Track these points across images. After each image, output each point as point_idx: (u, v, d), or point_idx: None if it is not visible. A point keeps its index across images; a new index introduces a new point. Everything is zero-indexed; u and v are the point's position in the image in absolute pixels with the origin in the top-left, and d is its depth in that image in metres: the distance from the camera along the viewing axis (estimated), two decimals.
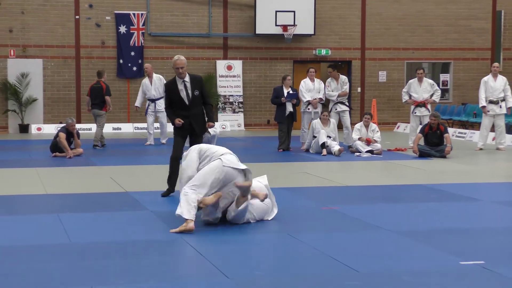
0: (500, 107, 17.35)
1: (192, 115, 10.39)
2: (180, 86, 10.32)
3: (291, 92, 16.81)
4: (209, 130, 16.20)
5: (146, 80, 19.09)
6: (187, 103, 10.33)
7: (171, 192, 10.37)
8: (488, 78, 17.48)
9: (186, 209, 7.78)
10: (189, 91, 10.33)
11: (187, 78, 10.36)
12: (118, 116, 24.13)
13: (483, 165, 15.07)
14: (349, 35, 26.06)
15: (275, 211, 8.62)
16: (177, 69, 10.26)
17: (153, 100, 18.93)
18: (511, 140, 18.75)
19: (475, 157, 16.10)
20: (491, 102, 17.35)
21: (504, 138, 17.60)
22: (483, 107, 17.43)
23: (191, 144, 10.29)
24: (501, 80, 17.44)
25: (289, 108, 16.81)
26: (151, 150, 17.79)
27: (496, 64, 17.74)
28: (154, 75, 19.04)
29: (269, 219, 8.48)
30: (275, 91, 17.09)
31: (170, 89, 10.42)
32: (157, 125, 19.67)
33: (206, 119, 10.61)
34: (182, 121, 10.31)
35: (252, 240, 7.68)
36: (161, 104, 18.75)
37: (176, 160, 10.42)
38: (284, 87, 16.91)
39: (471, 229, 8.15)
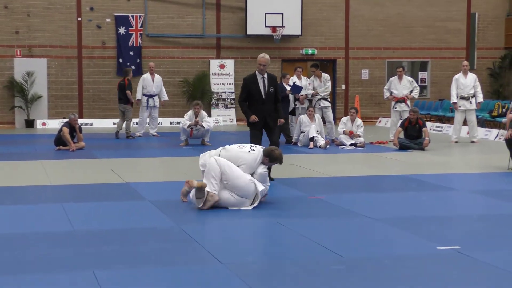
0: (471, 102, 17.39)
1: (266, 109, 10.72)
2: (260, 81, 10.67)
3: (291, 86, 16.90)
4: (203, 124, 16.46)
5: (147, 76, 19.31)
6: (263, 97, 10.66)
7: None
8: (459, 75, 17.52)
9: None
10: (266, 87, 10.67)
11: (265, 75, 10.71)
12: (118, 111, 24.04)
13: (459, 157, 15.10)
14: (334, 36, 26.04)
15: (247, 207, 8.53)
16: (259, 65, 10.63)
17: (151, 96, 19.19)
18: (484, 134, 18.81)
19: (451, 150, 16.14)
20: (462, 98, 17.38)
21: (476, 131, 17.64)
22: (454, 103, 17.48)
23: (268, 136, 10.79)
24: (471, 77, 17.47)
25: (293, 103, 16.90)
26: (149, 143, 17.75)
27: (465, 62, 17.77)
28: (156, 75, 19.41)
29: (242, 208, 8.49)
30: (279, 88, 17.05)
31: (251, 83, 10.73)
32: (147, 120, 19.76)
33: (277, 115, 10.93)
34: (257, 119, 10.63)
35: (244, 227, 7.68)
36: (157, 100, 19.30)
37: None
38: (284, 84, 16.96)
39: (448, 217, 8.17)
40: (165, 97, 19.68)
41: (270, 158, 8.78)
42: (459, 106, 17.38)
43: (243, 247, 6.77)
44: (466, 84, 17.35)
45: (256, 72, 10.74)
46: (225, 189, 8.43)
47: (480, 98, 17.45)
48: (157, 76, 19.51)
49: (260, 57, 10.72)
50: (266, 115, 10.70)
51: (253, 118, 10.63)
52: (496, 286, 5.42)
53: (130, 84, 18.82)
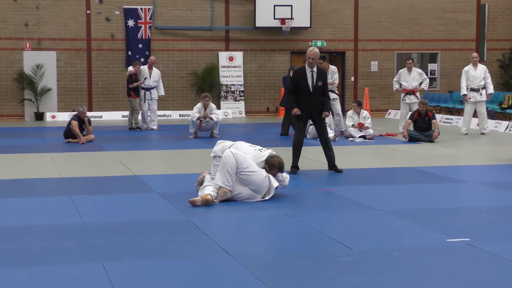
0: (481, 94, 17.34)
1: (313, 102, 10.77)
2: (308, 74, 10.71)
3: None
4: (212, 116, 16.45)
5: (144, 68, 19.10)
6: (311, 90, 10.71)
7: (297, 169, 10.90)
8: (469, 67, 17.47)
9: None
10: (314, 80, 10.70)
11: (314, 69, 10.75)
12: (127, 104, 24.07)
13: (468, 148, 15.05)
14: (343, 28, 25.98)
15: (258, 198, 8.51)
16: (309, 59, 10.70)
17: (148, 89, 19.06)
18: (494, 125, 18.75)
19: (460, 142, 16.09)
20: (472, 89, 17.34)
21: (486, 123, 17.59)
22: (464, 95, 17.45)
23: (317, 131, 11.02)
24: (481, 68, 17.42)
25: None
26: (156, 136, 17.77)
27: (474, 54, 17.71)
28: (154, 69, 19.27)
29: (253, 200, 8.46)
30: (288, 79, 16.99)
31: (299, 75, 10.80)
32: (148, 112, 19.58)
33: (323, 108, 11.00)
34: (300, 113, 10.71)
35: (253, 220, 7.67)
36: (154, 93, 19.11)
37: (299, 144, 10.93)
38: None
39: (457, 209, 8.15)
40: (162, 92, 19.49)
41: (269, 165, 8.58)
42: (469, 98, 17.34)
43: (252, 239, 6.77)
44: (476, 76, 17.29)
45: (306, 65, 10.80)
46: (238, 183, 8.40)
47: (491, 89, 17.39)
48: (155, 70, 19.34)
49: (309, 50, 10.75)
50: (312, 108, 10.77)
51: (295, 111, 10.74)
52: (506, 278, 5.40)
53: (131, 78, 18.76)
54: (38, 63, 23.74)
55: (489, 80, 17.38)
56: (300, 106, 10.76)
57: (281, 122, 17.59)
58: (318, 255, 6.06)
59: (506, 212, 7.90)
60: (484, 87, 17.33)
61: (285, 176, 8.80)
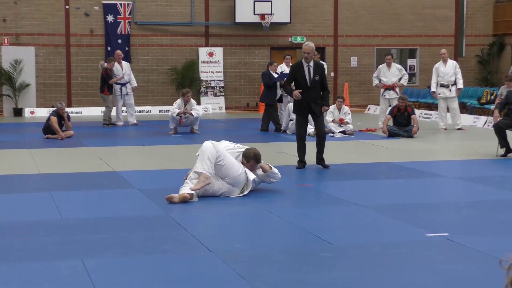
0: (450, 90, 17.42)
1: (311, 97, 10.84)
2: (305, 69, 10.81)
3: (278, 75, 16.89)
4: (192, 112, 16.42)
5: (116, 65, 18.90)
6: (308, 84, 10.79)
7: (304, 164, 11.02)
8: (439, 64, 17.59)
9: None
10: (311, 75, 10.80)
11: (311, 63, 10.85)
12: None
13: (447, 144, 15.14)
14: (322, 23, 26.02)
15: (237, 193, 8.51)
16: (304, 54, 10.83)
17: (123, 84, 18.92)
18: (473, 121, 18.85)
19: (439, 137, 16.18)
20: (442, 85, 17.45)
21: (459, 119, 17.67)
22: (433, 92, 17.61)
23: (315, 125, 11.19)
24: (451, 64, 17.52)
25: (280, 91, 16.85)
26: (136, 131, 17.69)
27: (443, 50, 17.82)
28: (123, 62, 19.13)
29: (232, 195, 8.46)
30: (267, 75, 17.02)
31: (296, 70, 10.92)
32: (124, 108, 19.37)
33: (323, 102, 11.06)
34: (301, 96, 10.73)
35: (233, 215, 7.68)
36: (129, 87, 19.09)
37: (302, 139, 11.04)
38: (271, 72, 16.95)
39: (436, 203, 8.20)
40: (134, 83, 19.40)
41: (246, 158, 8.60)
42: (439, 94, 17.46)
43: (232, 235, 6.77)
44: (446, 72, 17.40)
45: (302, 60, 10.89)
46: (216, 177, 8.40)
47: (460, 84, 17.45)
48: (124, 63, 19.21)
49: (304, 45, 10.90)
50: (310, 101, 10.83)
51: (296, 93, 10.74)
52: (484, 271, 5.44)
53: (107, 73, 18.59)
54: (16, 59, 23.56)
55: (460, 75, 17.47)
56: (299, 101, 10.84)
57: (261, 117, 17.59)
58: (298, 250, 6.07)
59: (484, 207, 7.95)
60: (455, 83, 17.41)
61: (277, 172, 8.79)
